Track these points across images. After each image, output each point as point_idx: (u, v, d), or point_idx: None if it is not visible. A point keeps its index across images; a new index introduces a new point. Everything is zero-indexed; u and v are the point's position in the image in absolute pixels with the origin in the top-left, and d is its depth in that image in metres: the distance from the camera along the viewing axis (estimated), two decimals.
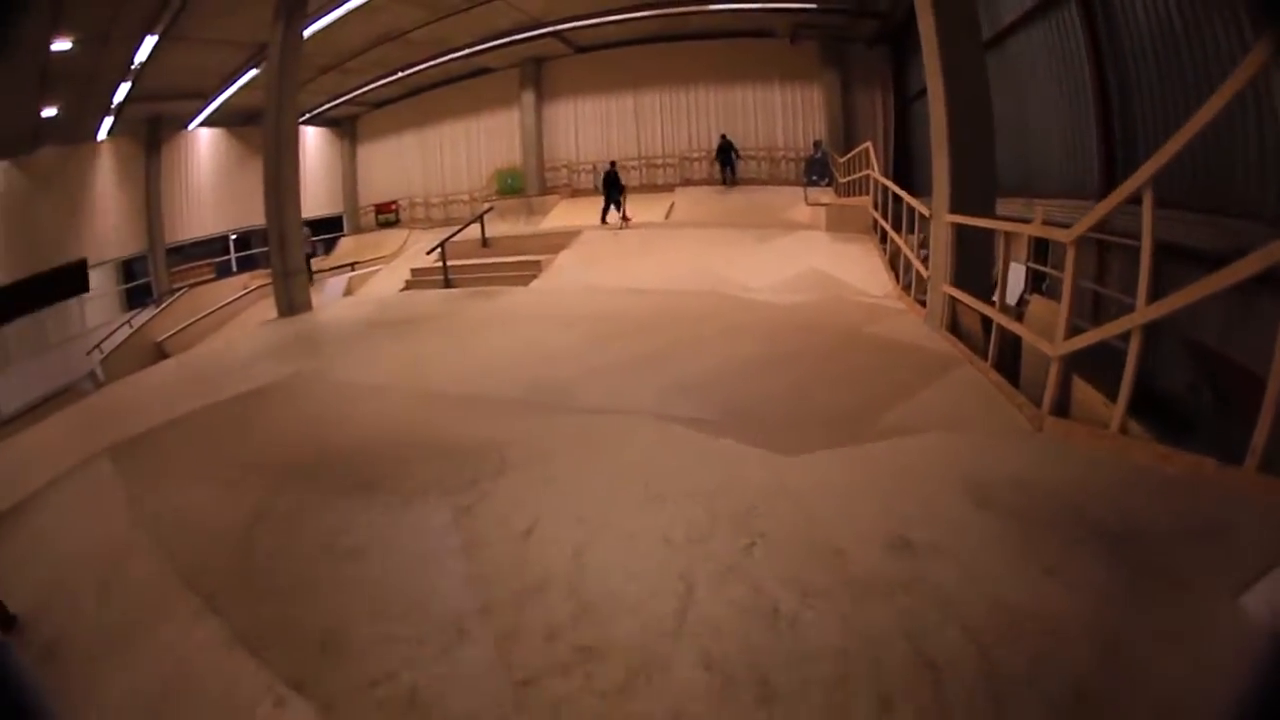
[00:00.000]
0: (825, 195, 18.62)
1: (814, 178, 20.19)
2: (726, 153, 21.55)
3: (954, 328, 7.00)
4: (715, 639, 2.37)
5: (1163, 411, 7.11)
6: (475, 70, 24.38)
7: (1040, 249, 9.16)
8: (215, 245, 25.15)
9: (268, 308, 14.08)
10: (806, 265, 11.76)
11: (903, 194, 10.18)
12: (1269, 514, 2.63)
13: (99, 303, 20.48)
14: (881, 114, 21.60)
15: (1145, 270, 3.68)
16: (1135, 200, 3.77)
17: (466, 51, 22.05)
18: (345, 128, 28.43)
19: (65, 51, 15.03)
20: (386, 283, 17.29)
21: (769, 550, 2.88)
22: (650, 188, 22.57)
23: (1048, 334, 4.65)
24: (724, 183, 21.76)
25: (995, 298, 6.06)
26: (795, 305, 8.97)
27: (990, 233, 6.89)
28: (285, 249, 12.45)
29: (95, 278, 19.81)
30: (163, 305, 20.63)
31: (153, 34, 16.05)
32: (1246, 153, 6.70)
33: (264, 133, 12.88)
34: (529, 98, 24.43)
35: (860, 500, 3.27)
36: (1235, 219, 6.80)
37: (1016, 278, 6.15)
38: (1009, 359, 5.74)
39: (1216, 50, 7.08)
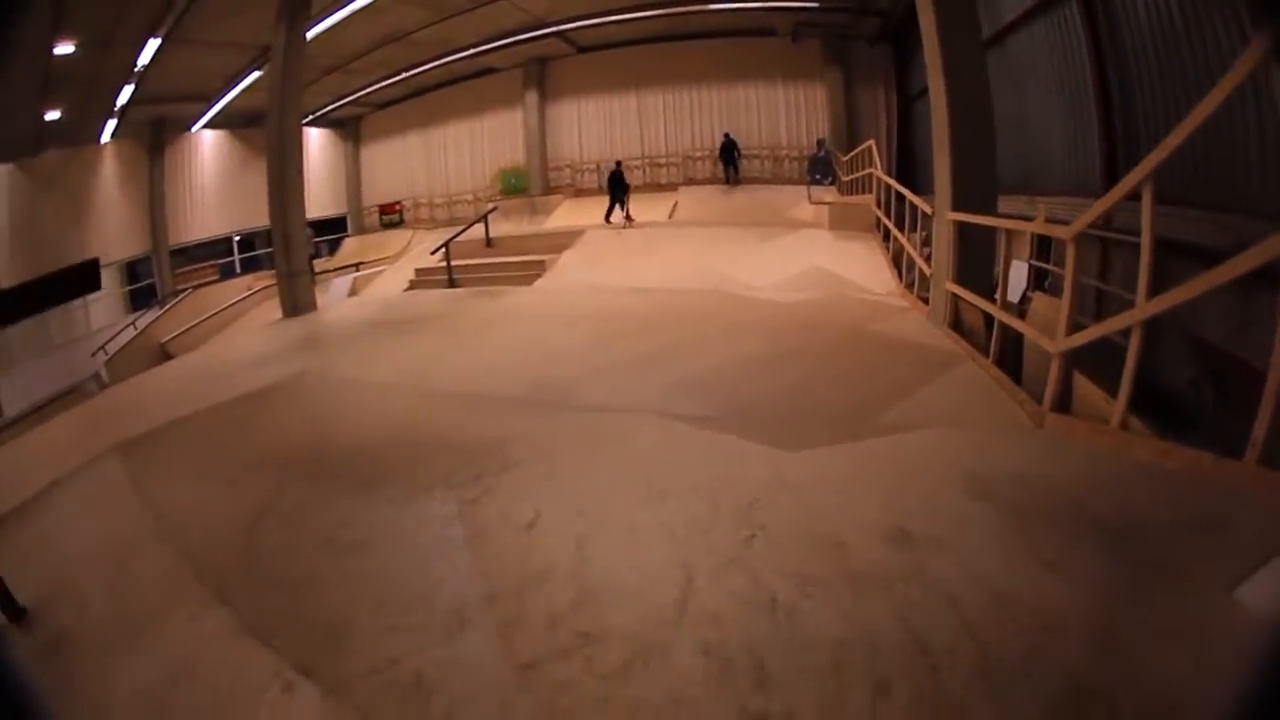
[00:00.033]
0: (828, 194, 18.64)
1: (817, 176, 20.22)
2: (730, 152, 21.56)
3: (956, 325, 7.01)
4: (714, 627, 2.40)
5: (1165, 408, 7.12)
6: (479, 70, 24.42)
7: (1043, 246, 9.17)
8: (219, 247, 25.23)
9: (272, 308, 14.12)
10: (810, 263, 11.77)
11: (905, 192, 10.19)
12: (1268, 507, 2.64)
13: (103, 304, 20.54)
14: (884, 112, 21.59)
15: (1145, 266, 3.69)
16: (1136, 197, 3.78)
17: (470, 52, 22.10)
18: (349, 128, 28.47)
19: (68, 55, 15.09)
20: (391, 283, 17.31)
21: (769, 542, 2.91)
22: (653, 187, 22.59)
23: (1050, 331, 4.67)
24: (727, 182, 21.78)
25: (997, 295, 6.08)
26: (798, 303, 8.98)
27: (992, 230, 6.90)
28: (290, 250, 12.47)
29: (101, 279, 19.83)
30: (167, 307, 20.67)
31: (156, 37, 16.11)
32: (1248, 149, 6.71)
33: (267, 134, 12.89)
34: (532, 98, 24.47)
35: (861, 495, 3.29)
36: (1238, 215, 6.80)
37: (1019, 275, 6.16)
38: (1011, 356, 5.76)
39: (1217, 47, 7.09)
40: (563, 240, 16.07)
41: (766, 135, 22.55)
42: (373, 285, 18.22)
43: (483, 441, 4.45)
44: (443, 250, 14.48)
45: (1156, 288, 3.61)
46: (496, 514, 3.46)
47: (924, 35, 7.46)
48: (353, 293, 17.65)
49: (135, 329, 19.16)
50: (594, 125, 24.38)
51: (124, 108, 19.71)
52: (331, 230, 27.65)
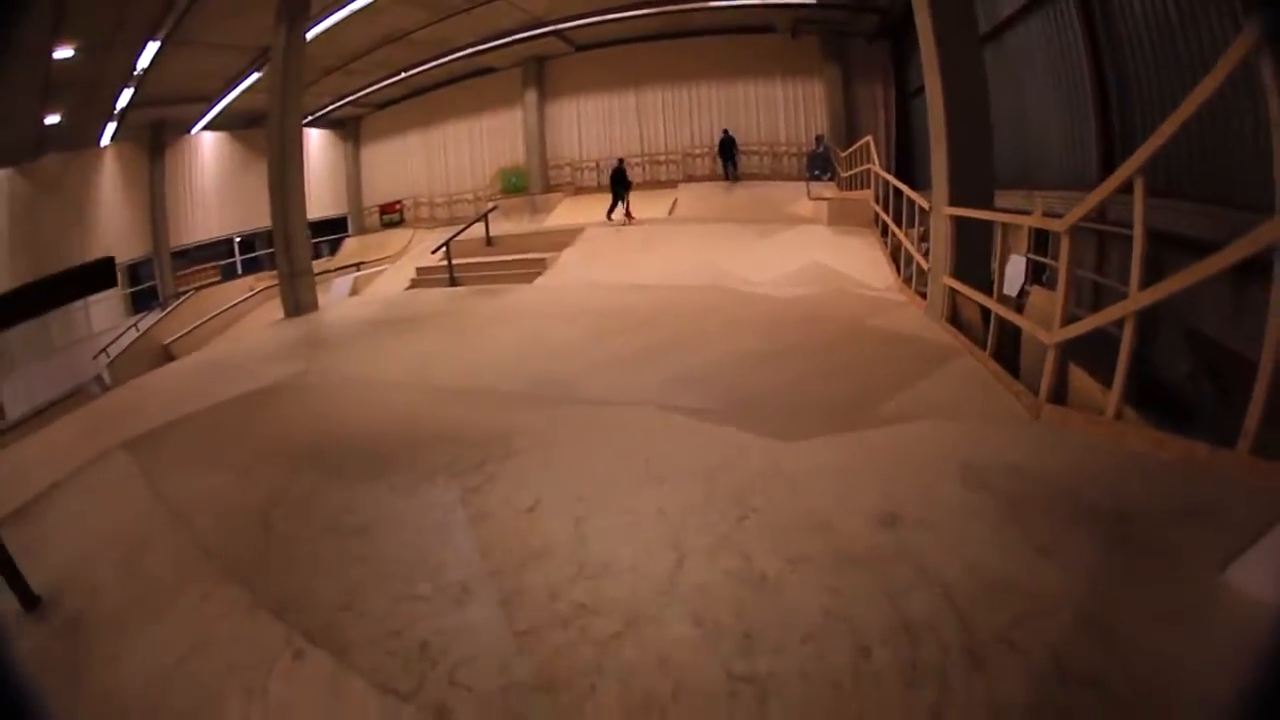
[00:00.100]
0: (828, 190, 18.68)
1: (816, 172, 20.26)
2: (729, 148, 21.58)
3: (954, 319, 7.05)
4: (704, 598, 2.50)
5: (1164, 401, 7.15)
6: (478, 70, 24.47)
7: (1041, 240, 9.19)
8: (220, 248, 25.30)
9: (274, 309, 14.17)
10: (809, 259, 11.82)
11: (903, 187, 10.24)
12: (1259, 495, 2.68)
13: (104, 306, 20.58)
14: (883, 108, 21.60)
15: (1137, 258, 3.73)
16: (1131, 190, 3.82)
17: (469, 51, 22.15)
18: (349, 129, 28.53)
19: (68, 59, 15.12)
20: (392, 282, 17.37)
21: (762, 524, 2.97)
22: (653, 184, 22.63)
23: (1047, 324, 4.70)
24: (727, 178, 21.80)
25: (995, 289, 6.12)
26: (797, 299, 9.02)
27: (989, 225, 6.94)
28: (291, 250, 12.51)
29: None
30: (169, 308, 20.74)
31: (155, 39, 16.14)
32: (1243, 142, 6.73)
33: (268, 135, 12.94)
34: (531, 96, 24.52)
35: (855, 482, 3.33)
36: (1235, 209, 6.82)
37: (1017, 270, 6.19)
38: (1009, 349, 5.80)
39: (1213, 41, 7.12)
40: (563, 238, 16.13)
41: (765, 132, 22.58)
42: (374, 285, 18.27)
43: (485, 434, 4.50)
44: (443, 249, 14.53)
45: (1153, 280, 3.64)
46: (498, 499, 3.54)
47: (920, 34, 7.50)
48: (354, 292, 17.70)
49: (137, 331, 19.22)
50: (593, 123, 24.42)
51: (124, 111, 19.76)
52: (332, 230, 27.72)
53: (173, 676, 2.59)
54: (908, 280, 9.69)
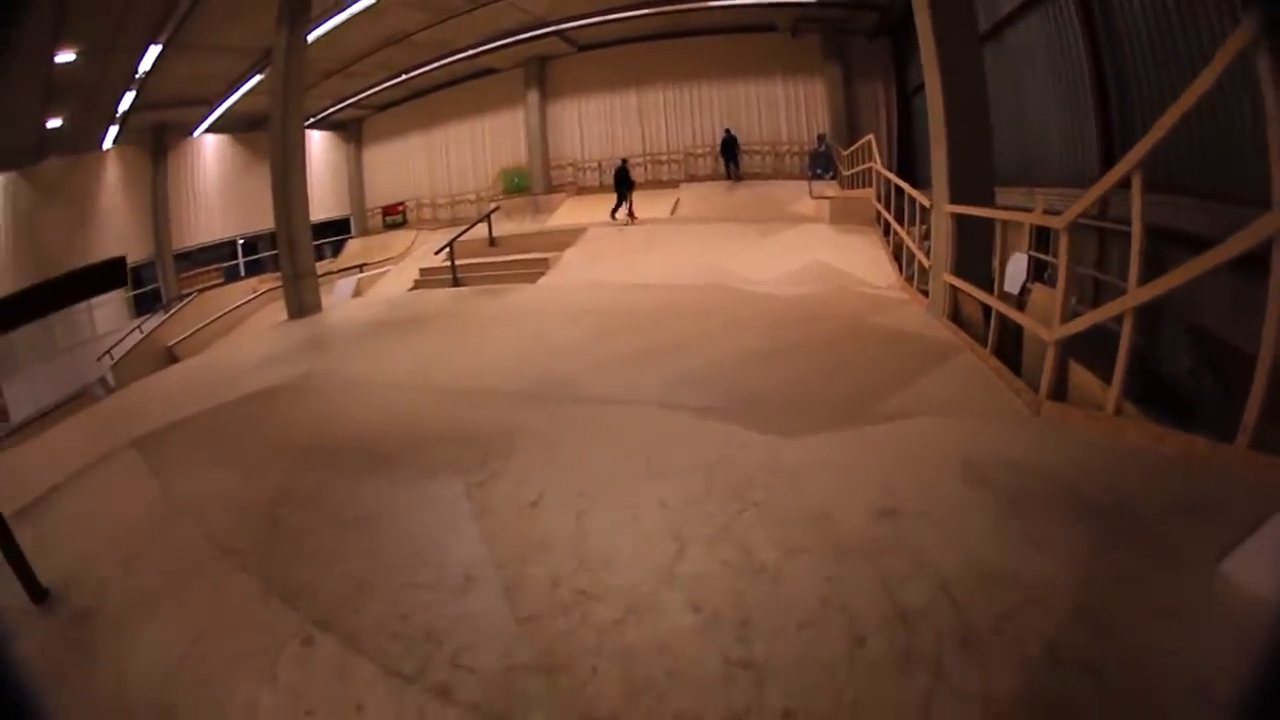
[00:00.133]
0: (830, 188, 18.67)
1: (818, 171, 20.25)
2: (731, 148, 21.58)
3: (955, 317, 7.06)
4: (703, 586, 2.55)
5: (1167, 398, 7.16)
6: (479, 71, 24.47)
7: (1042, 238, 9.20)
8: (223, 250, 25.35)
9: (277, 310, 14.20)
10: (811, 258, 11.82)
11: (904, 186, 10.24)
12: (1258, 489, 2.69)
13: (108, 309, 20.65)
14: (884, 106, 21.57)
15: (1136, 254, 3.74)
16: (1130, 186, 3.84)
17: (470, 52, 22.17)
18: (351, 130, 28.56)
19: (69, 63, 15.17)
20: (395, 283, 17.42)
21: (761, 516, 3.01)
22: (655, 184, 22.61)
23: (1048, 321, 4.71)
24: (729, 178, 21.80)
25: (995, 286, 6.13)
26: (799, 297, 9.03)
27: (990, 223, 6.95)
28: (294, 252, 12.57)
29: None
30: (172, 310, 20.80)
31: (157, 43, 16.19)
32: (1243, 138, 6.73)
33: (270, 137, 12.98)
34: (533, 97, 24.52)
35: (854, 477, 3.36)
36: (1236, 205, 6.82)
37: (1019, 267, 6.21)
38: (1010, 347, 5.81)
39: (1213, 37, 7.11)
40: (565, 238, 16.15)
41: (767, 131, 22.56)
42: (377, 286, 18.32)
43: (488, 432, 4.54)
44: (446, 250, 14.57)
45: (1154, 277, 3.65)
46: (501, 494, 3.60)
47: (919, 32, 7.51)
48: (357, 294, 17.73)
49: (141, 333, 19.27)
50: (595, 123, 24.41)
51: (126, 114, 19.83)
52: (335, 232, 27.78)
53: (183, 662, 2.65)
54: (910, 278, 9.70)
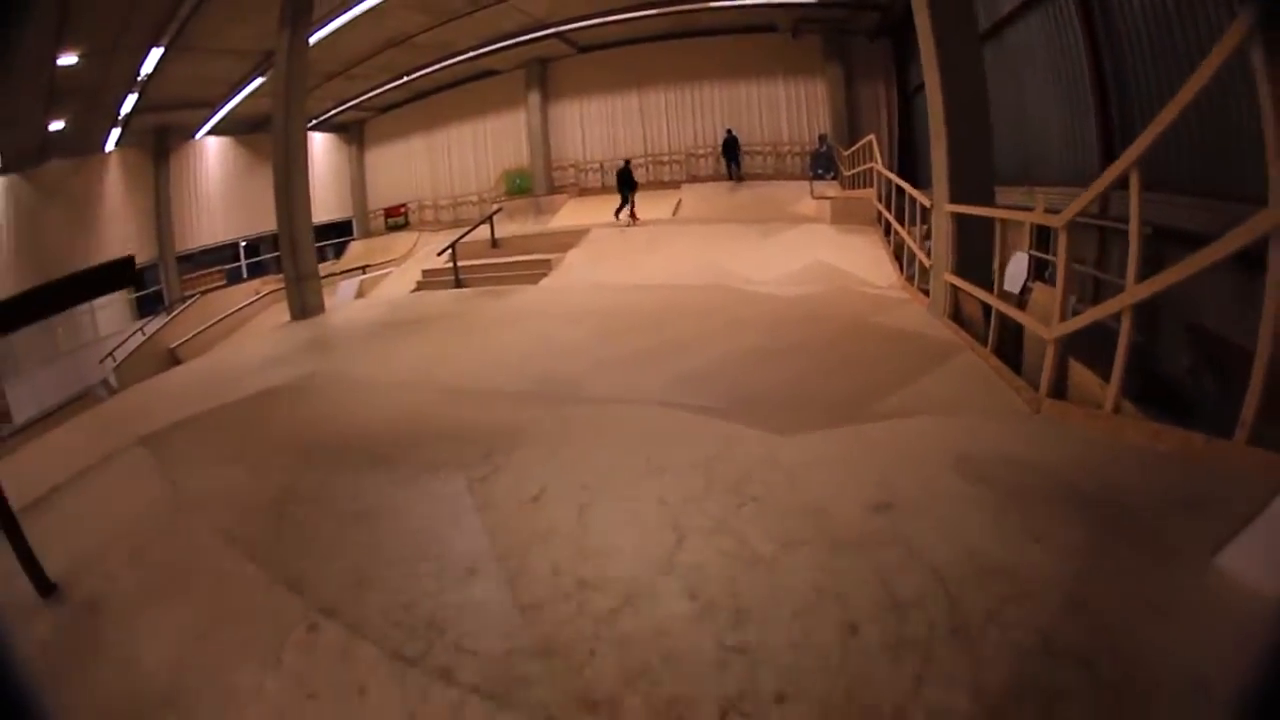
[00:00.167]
0: (831, 189, 18.69)
1: (819, 171, 20.27)
2: (732, 148, 21.60)
3: (956, 316, 7.08)
4: (700, 576, 2.60)
5: (1167, 396, 7.17)
6: (480, 73, 24.52)
7: (1043, 237, 9.21)
8: (225, 252, 25.41)
9: (280, 312, 14.23)
10: (812, 258, 11.85)
11: (905, 185, 10.26)
12: (1255, 484, 2.71)
13: (110, 311, 20.70)
14: (885, 107, 21.60)
15: (1134, 252, 3.77)
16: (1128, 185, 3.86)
17: (471, 54, 22.21)
18: (353, 132, 28.63)
19: (71, 65, 15.21)
20: (398, 284, 17.44)
21: (759, 510, 3.05)
22: (657, 185, 22.64)
23: (1048, 320, 4.72)
24: (730, 178, 21.83)
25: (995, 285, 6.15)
26: (800, 297, 9.05)
27: (990, 222, 6.97)
28: (297, 254, 12.60)
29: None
30: (175, 312, 20.83)
31: (159, 45, 16.22)
32: (1240, 136, 6.74)
33: (273, 139, 13.00)
34: (535, 98, 24.57)
35: (854, 473, 3.38)
36: (1235, 202, 6.84)
37: (1020, 266, 6.23)
38: (1010, 346, 5.83)
39: (1211, 35, 7.13)
40: (568, 239, 16.19)
41: (768, 131, 22.59)
42: (380, 287, 18.35)
43: (491, 429, 4.58)
44: (449, 251, 14.61)
45: (1153, 274, 3.67)
46: (503, 489, 3.63)
47: (919, 32, 7.54)
48: (360, 295, 17.76)
49: (143, 335, 19.31)
50: (597, 125, 24.46)
51: (128, 116, 19.87)
52: (337, 234, 27.86)
53: (189, 650, 2.69)
54: (910, 278, 9.72)
